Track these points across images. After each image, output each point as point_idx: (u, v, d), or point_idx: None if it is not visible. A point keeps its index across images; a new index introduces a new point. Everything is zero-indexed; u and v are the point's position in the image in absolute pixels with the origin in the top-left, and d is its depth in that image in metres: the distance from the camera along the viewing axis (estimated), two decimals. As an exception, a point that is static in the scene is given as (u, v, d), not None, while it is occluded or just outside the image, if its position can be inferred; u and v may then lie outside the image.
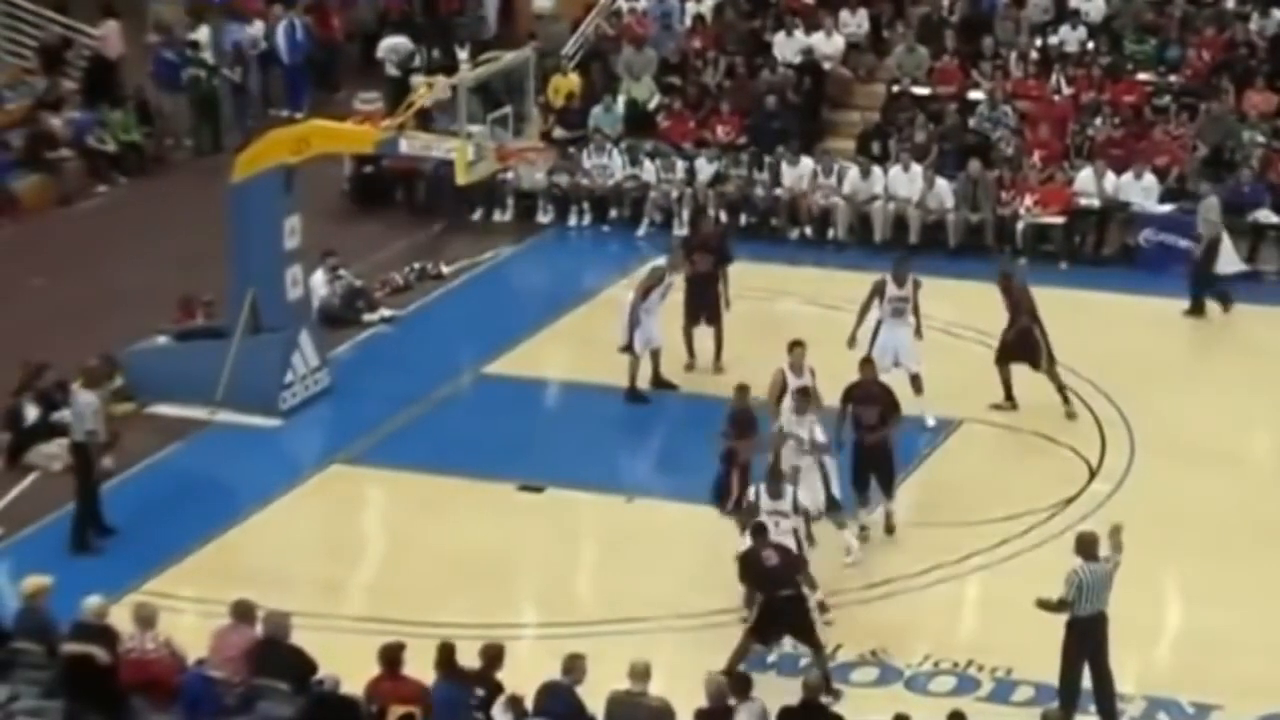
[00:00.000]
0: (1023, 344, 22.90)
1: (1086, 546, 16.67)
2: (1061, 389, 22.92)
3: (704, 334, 24.07)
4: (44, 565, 17.20)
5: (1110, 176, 28.26)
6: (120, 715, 15.80)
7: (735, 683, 15.34)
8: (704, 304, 24.03)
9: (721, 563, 19.67)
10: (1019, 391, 23.35)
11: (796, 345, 20.54)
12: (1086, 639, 16.64)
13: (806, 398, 19.66)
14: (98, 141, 31.98)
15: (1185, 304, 26.25)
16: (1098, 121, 29.60)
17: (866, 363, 20.81)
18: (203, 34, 33.76)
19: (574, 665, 15.33)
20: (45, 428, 22.22)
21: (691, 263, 24.05)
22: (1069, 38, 31.51)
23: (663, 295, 23.52)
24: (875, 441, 19.88)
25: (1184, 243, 27.51)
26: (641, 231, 29.62)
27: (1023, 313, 22.93)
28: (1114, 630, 18.12)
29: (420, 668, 15.43)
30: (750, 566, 17.52)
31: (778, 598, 17.21)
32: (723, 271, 24.15)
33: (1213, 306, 26.12)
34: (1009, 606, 17.88)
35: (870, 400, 19.97)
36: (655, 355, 23.68)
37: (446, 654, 15.43)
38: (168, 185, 31.88)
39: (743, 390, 20.04)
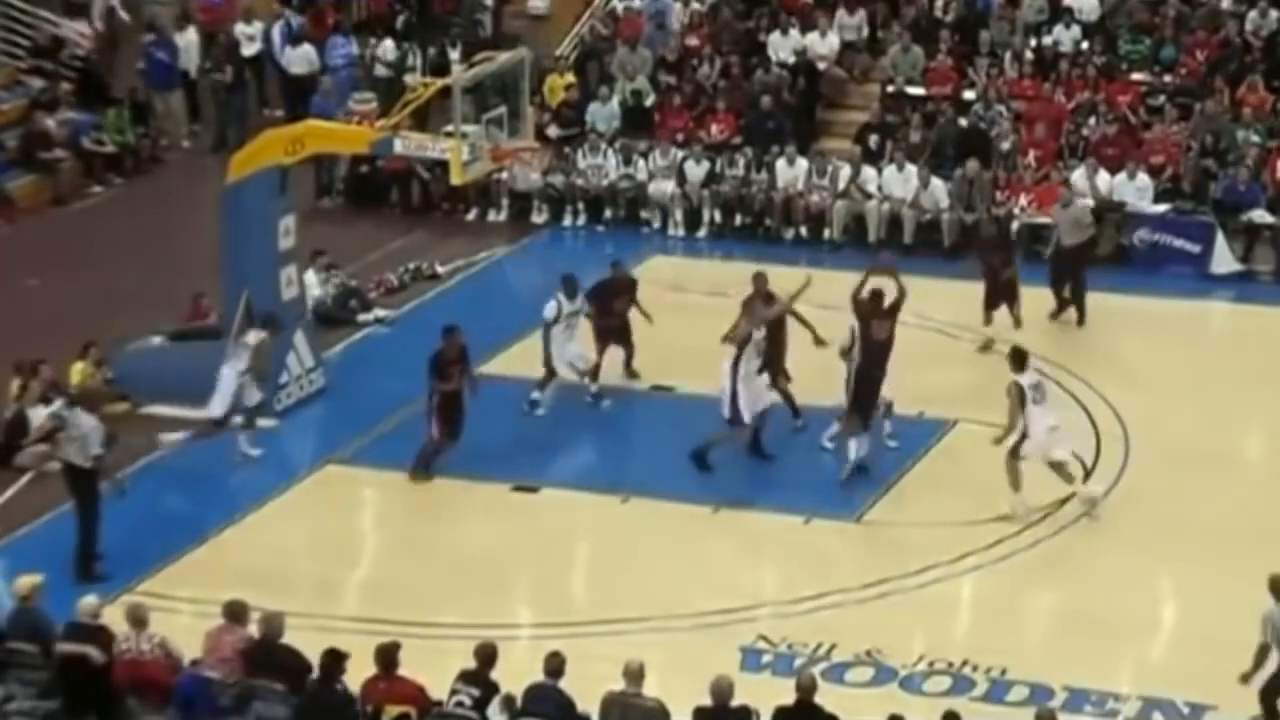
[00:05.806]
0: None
1: None
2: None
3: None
4: (38, 567, 17.15)
5: (1104, 176, 28.25)
6: (115, 716, 15.80)
7: None
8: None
9: (716, 562, 19.72)
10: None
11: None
12: None
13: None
14: (93, 142, 31.96)
15: (1182, 304, 26.37)
16: (1092, 121, 29.60)
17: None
18: (189, 35, 33.81)
19: (556, 663, 15.30)
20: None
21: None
22: (1063, 37, 31.52)
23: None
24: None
25: (1179, 242, 27.56)
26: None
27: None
28: (1108, 630, 18.19)
29: (415, 668, 15.42)
30: None
31: None
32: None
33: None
34: (1004, 607, 17.88)
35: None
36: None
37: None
38: (163, 185, 31.85)
39: None
